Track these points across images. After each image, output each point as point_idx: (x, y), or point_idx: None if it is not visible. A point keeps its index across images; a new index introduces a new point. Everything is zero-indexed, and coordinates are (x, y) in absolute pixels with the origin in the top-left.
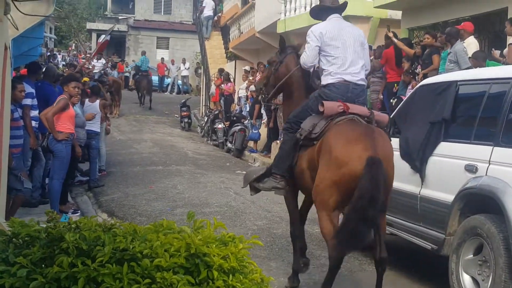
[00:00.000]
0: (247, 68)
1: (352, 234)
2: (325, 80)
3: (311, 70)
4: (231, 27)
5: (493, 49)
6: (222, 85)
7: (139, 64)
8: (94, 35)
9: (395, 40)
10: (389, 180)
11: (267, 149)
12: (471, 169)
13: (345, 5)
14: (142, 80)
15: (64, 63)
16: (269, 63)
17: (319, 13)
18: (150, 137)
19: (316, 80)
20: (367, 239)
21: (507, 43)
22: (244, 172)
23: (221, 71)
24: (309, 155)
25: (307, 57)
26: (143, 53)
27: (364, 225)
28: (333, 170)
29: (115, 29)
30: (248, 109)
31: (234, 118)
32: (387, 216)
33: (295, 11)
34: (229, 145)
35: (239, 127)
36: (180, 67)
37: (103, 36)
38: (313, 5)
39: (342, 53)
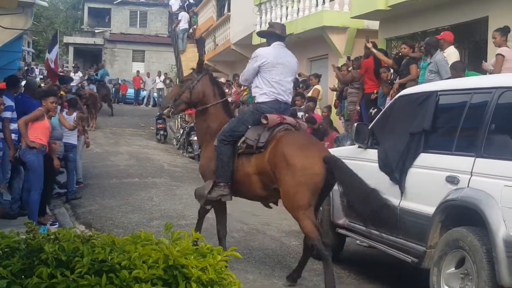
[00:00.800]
0: (223, 80)
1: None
2: (260, 98)
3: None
4: (206, 39)
5: (483, 61)
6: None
7: (98, 77)
8: (71, 49)
9: (374, 50)
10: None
11: None
12: (452, 180)
13: (288, 35)
14: (100, 90)
15: (41, 76)
16: (182, 82)
17: (266, 36)
18: (126, 150)
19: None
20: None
21: (496, 52)
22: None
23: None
24: (257, 162)
25: (249, 76)
26: (102, 66)
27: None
28: (298, 175)
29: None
30: None
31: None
32: (364, 228)
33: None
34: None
35: None
36: (155, 80)
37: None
38: (288, 16)
39: (279, 78)
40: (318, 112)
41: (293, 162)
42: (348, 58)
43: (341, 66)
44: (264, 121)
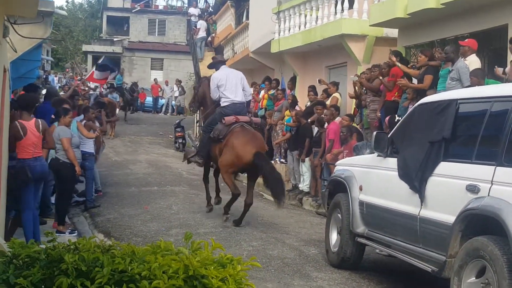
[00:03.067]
0: None
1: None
2: (223, 103)
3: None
4: (225, 47)
5: (496, 66)
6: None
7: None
8: (90, 57)
9: (398, 64)
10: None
11: None
12: (472, 189)
13: (222, 60)
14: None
15: (59, 85)
16: (193, 89)
17: (213, 66)
18: (145, 158)
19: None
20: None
21: (509, 60)
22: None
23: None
24: (219, 147)
25: (212, 95)
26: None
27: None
28: (234, 156)
29: (110, 50)
30: None
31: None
32: (384, 237)
33: (289, 30)
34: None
35: None
36: (173, 88)
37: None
38: (306, 24)
39: (229, 87)
40: (337, 120)
41: (235, 150)
42: (376, 66)
43: (360, 74)
44: (223, 121)
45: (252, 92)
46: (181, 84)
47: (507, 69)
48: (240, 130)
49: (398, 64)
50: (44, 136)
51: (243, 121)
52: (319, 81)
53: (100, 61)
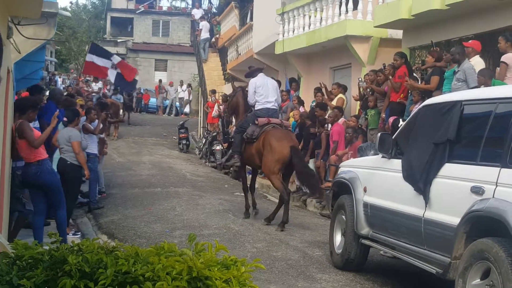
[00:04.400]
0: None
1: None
2: (257, 106)
3: (251, 103)
4: (229, 48)
5: (497, 68)
6: (221, 106)
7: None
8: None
9: (409, 81)
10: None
11: None
12: (477, 191)
13: (263, 67)
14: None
15: (64, 86)
16: (228, 96)
17: (251, 73)
18: (148, 159)
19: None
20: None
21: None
22: (243, 194)
23: (213, 92)
24: (255, 147)
25: (250, 98)
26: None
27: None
28: (274, 154)
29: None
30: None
31: (232, 140)
32: (389, 238)
33: (293, 31)
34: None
35: None
36: (177, 89)
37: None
38: (311, 25)
39: (265, 93)
40: (340, 121)
41: (273, 146)
42: (384, 66)
43: (364, 76)
44: (256, 122)
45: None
46: (190, 87)
47: (498, 69)
48: (273, 129)
49: (409, 81)
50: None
51: (275, 122)
52: (321, 85)
53: (88, 48)
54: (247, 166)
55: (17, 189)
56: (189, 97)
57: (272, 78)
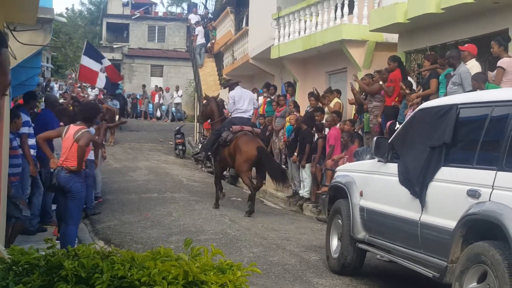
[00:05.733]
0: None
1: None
2: (234, 115)
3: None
4: (224, 53)
5: (488, 71)
6: None
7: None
8: None
9: (408, 92)
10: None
11: None
12: (473, 194)
13: (240, 81)
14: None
15: (60, 92)
16: (203, 105)
17: (229, 86)
18: (145, 165)
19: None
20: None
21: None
22: (239, 199)
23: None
24: (228, 150)
25: (230, 108)
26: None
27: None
28: (243, 156)
29: (110, 57)
30: None
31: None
32: (385, 242)
33: (288, 36)
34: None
35: None
36: (173, 95)
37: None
38: (306, 30)
39: (242, 104)
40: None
41: (243, 149)
42: (378, 71)
43: (361, 79)
44: (231, 129)
45: (257, 107)
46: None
47: (492, 73)
48: (244, 135)
49: (407, 91)
50: None
51: (247, 130)
52: (313, 91)
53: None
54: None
55: (17, 195)
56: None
57: (254, 88)
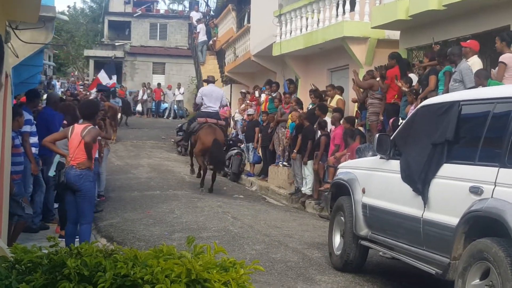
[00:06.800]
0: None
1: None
2: (201, 109)
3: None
4: (226, 51)
5: (492, 69)
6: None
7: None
8: (91, 62)
9: (405, 89)
10: (222, 146)
11: (264, 172)
12: (476, 191)
13: (214, 79)
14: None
15: (62, 90)
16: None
17: (207, 81)
18: (147, 162)
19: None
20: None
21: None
22: (242, 196)
23: None
24: (194, 137)
25: (197, 100)
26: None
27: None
28: (201, 143)
29: (111, 56)
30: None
31: (231, 142)
32: (388, 239)
33: (290, 33)
34: (225, 169)
35: (236, 151)
36: (175, 92)
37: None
38: (308, 27)
39: (210, 99)
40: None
41: (202, 139)
42: (376, 68)
43: (362, 76)
44: (197, 121)
45: (227, 104)
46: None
47: (495, 70)
48: (207, 127)
49: (405, 89)
50: None
51: (211, 122)
52: (312, 87)
53: (106, 66)
54: (253, 172)
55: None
56: (142, 96)
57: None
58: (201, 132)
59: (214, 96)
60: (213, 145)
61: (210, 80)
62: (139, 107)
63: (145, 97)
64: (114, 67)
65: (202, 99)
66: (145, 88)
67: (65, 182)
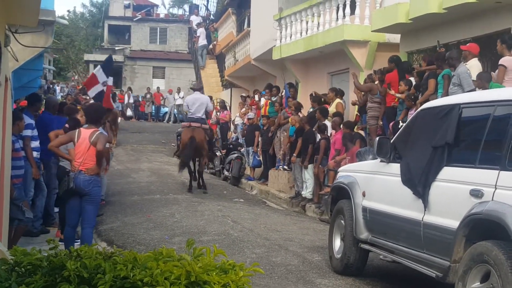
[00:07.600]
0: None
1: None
2: (188, 116)
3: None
4: (226, 55)
5: (492, 72)
6: (218, 113)
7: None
8: (91, 66)
9: (399, 95)
10: (201, 144)
11: (264, 176)
12: (476, 194)
13: (199, 86)
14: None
15: (62, 94)
16: None
17: (193, 90)
18: (147, 166)
19: None
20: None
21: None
22: (242, 200)
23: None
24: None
25: (184, 109)
26: None
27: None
28: (182, 142)
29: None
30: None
31: (231, 146)
32: (388, 243)
33: (290, 37)
34: (226, 173)
35: (236, 155)
36: (175, 97)
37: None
38: (308, 31)
39: (194, 107)
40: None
41: (183, 137)
42: (375, 72)
43: (363, 80)
44: (183, 125)
45: (212, 109)
46: (130, 90)
47: (494, 73)
48: (187, 128)
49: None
50: None
51: (194, 125)
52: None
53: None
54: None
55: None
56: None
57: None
58: (182, 133)
59: (197, 104)
60: (189, 140)
61: (196, 88)
62: (129, 112)
63: (131, 100)
64: (113, 63)
65: (188, 107)
66: (129, 92)
67: (74, 188)
